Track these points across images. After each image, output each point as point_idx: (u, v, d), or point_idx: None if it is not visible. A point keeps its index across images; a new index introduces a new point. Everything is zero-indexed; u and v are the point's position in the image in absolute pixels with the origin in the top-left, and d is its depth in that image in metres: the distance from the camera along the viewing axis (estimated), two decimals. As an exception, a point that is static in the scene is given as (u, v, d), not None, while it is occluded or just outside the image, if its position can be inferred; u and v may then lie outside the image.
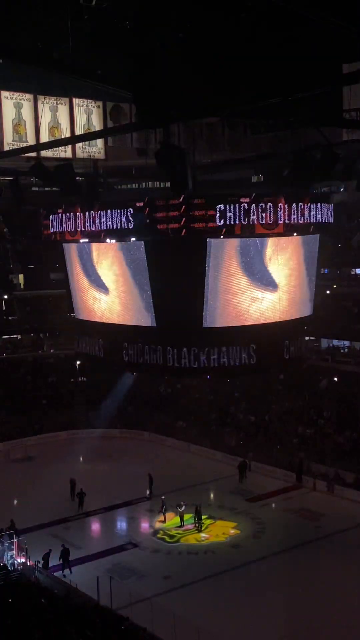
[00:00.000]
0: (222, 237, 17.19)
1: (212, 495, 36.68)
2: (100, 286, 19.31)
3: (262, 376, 44.32)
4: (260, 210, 17.45)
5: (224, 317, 17.63)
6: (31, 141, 34.26)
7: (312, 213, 18.53)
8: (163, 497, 33.35)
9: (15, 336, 54.07)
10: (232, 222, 17.11)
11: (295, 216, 18.04)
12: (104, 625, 20.68)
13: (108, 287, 19.01)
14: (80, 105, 36.66)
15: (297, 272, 18.82)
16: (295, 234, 18.41)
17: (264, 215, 17.51)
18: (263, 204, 17.32)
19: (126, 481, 37.87)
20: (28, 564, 25.83)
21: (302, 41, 15.38)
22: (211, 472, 39.46)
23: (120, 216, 18.47)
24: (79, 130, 35.95)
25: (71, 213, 19.84)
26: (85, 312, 20.37)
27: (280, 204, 17.69)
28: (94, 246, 19.25)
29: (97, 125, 36.94)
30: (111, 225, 18.60)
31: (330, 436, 39.89)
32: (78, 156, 36.65)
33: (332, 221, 19.70)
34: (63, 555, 27.64)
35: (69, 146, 36.18)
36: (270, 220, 17.51)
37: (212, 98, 15.05)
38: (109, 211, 19.03)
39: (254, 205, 17.24)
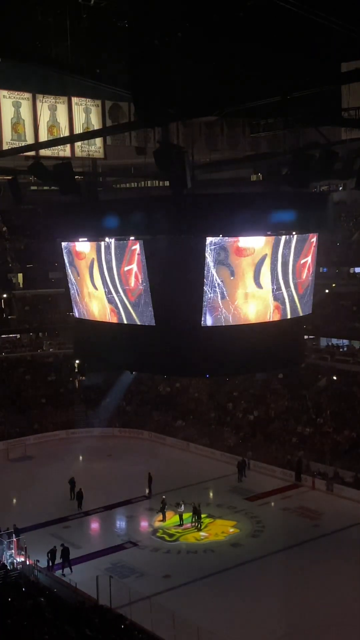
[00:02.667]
0: (221, 235, 17.18)
1: (211, 494, 36.68)
2: (99, 285, 19.30)
3: (261, 375, 44.45)
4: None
5: (224, 317, 17.62)
6: (30, 140, 34.22)
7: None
8: (164, 496, 33.36)
9: (14, 335, 54.09)
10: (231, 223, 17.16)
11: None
12: (103, 625, 20.68)
13: (107, 286, 18.99)
14: (79, 104, 36.61)
15: (296, 270, 18.81)
16: (294, 233, 18.39)
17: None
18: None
19: (125, 480, 37.89)
20: (27, 563, 25.84)
21: (301, 40, 15.40)
22: (210, 471, 39.49)
23: (119, 215, 18.47)
24: (78, 129, 35.90)
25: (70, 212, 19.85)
26: (84, 311, 20.35)
27: None
28: (93, 245, 19.22)
29: (95, 124, 36.91)
30: (110, 224, 18.59)
31: (329, 435, 39.92)
32: (77, 155, 36.63)
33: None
34: (63, 554, 27.69)
35: (68, 145, 36.16)
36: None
37: (210, 97, 15.06)
38: (107, 210, 19.00)
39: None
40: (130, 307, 18.42)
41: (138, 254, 17.72)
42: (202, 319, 17.39)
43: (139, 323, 18.28)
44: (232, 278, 17.31)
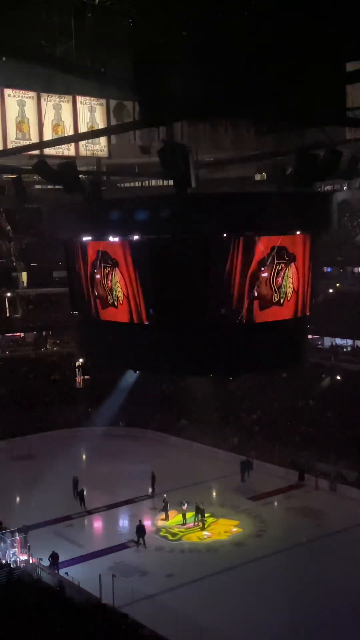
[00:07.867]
0: (224, 235, 17.20)
1: (214, 494, 36.71)
2: (102, 284, 19.31)
3: (265, 374, 44.40)
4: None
5: (227, 315, 17.63)
6: (34, 139, 34.30)
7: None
8: (165, 495, 33.39)
9: (18, 334, 54.16)
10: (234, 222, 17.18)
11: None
12: (106, 623, 20.71)
13: (110, 286, 19.00)
14: (84, 103, 36.71)
15: (299, 270, 18.80)
16: (298, 232, 18.38)
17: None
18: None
19: (128, 479, 37.94)
20: (30, 561, 25.87)
21: (305, 39, 15.34)
22: (214, 471, 39.49)
23: (123, 214, 18.47)
24: (82, 128, 36.00)
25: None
26: (88, 310, 20.36)
27: None
28: (96, 244, 19.23)
29: (100, 123, 36.99)
30: (114, 223, 18.59)
31: (332, 435, 39.88)
32: (81, 154, 36.70)
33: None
34: (139, 531, 29.30)
35: (72, 144, 36.22)
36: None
37: (215, 97, 15.03)
38: (111, 209, 19.00)
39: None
40: (133, 306, 18.42)
41: (142, 253, 17.73)
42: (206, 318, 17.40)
43: (142, 322, 18.28)
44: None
